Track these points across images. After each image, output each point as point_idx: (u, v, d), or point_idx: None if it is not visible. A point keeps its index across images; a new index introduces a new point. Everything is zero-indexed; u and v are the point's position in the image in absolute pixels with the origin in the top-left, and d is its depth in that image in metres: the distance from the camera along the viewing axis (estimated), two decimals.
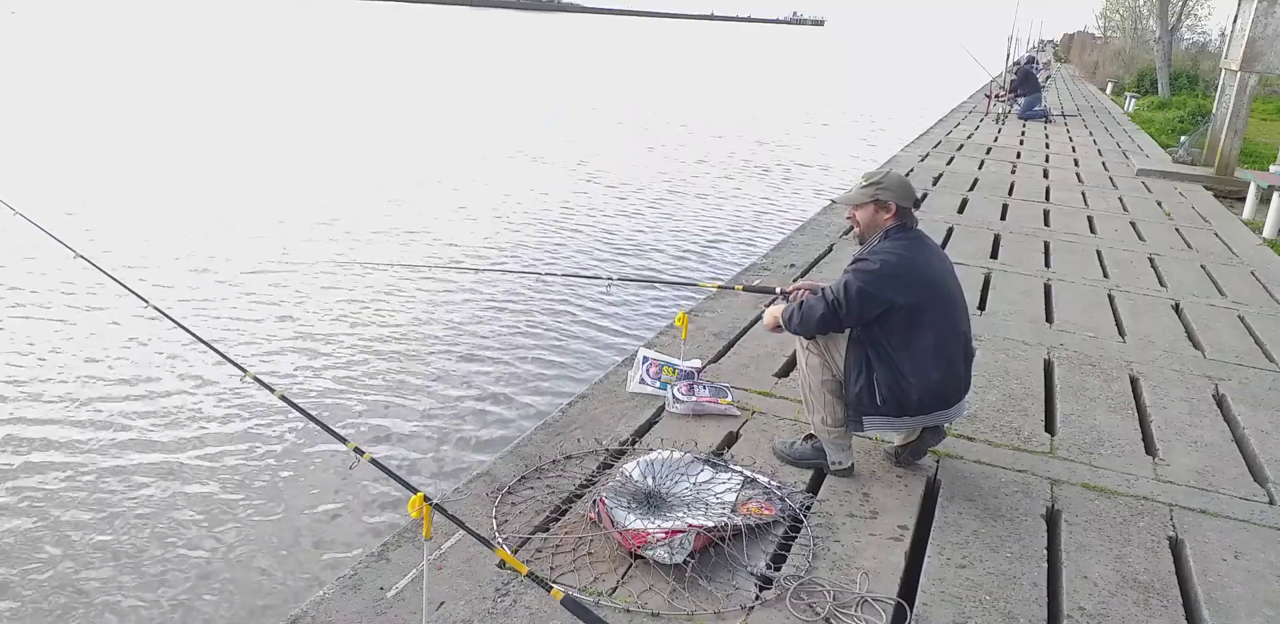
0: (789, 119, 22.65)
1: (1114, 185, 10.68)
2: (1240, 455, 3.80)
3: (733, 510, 2.94)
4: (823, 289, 3.14)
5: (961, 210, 8.61)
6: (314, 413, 2.91)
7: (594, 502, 2.97)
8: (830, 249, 6.78)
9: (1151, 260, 7.11)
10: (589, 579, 2.67)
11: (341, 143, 14.74)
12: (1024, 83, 17.73)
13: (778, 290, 3.73)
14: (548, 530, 2.92)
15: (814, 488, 3.30)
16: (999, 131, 15.59)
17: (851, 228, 3.27)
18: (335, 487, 4.34)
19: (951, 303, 3.17)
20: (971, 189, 9.74)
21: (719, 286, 4.67)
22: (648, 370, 4.03)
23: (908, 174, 10.38)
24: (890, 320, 3.05)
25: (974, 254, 6.88)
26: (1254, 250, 7.71)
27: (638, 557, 2.74)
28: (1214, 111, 12.21)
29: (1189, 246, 7.68)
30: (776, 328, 3.32)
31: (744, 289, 4.32)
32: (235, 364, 3.10)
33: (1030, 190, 9.92)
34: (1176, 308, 5.87)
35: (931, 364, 3.07)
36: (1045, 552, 2.99)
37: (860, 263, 3.07)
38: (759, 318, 5.08)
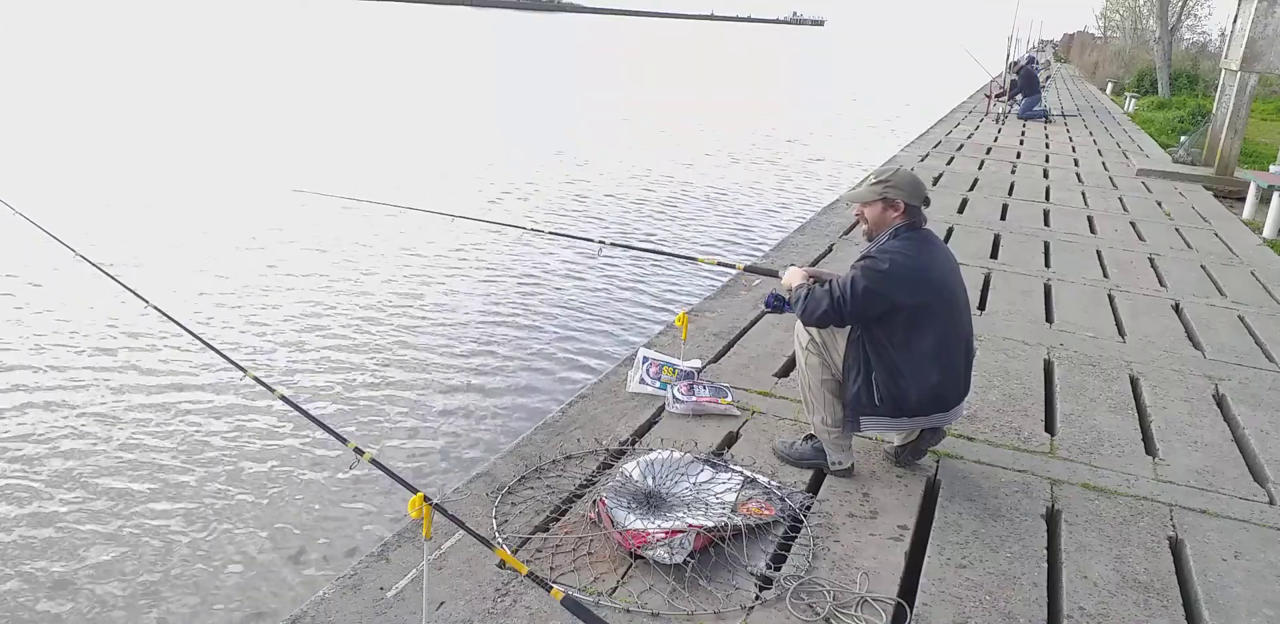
0: (793, 117, 22.65)
1: (1114, 185, 10.68)
2: (1240, 455, 3.80)
3: (733, 510, 2.94)
4: (830, 282, 3.11)
5: (961, 210, 8.61)
6: (314, 413, 2.91)
7: (594, 502, 2.97)
8: (830, 249, 6.78)
9: (1151, 260, 7.11)
10: (589, 579, 2.67)
11: (343, 141, 14.74)
12: (1026, 83, 17.73)
13: (780, 271, 3.71)
14: (548, 530, 2.92)
15: (814, 488, 3.30)
16: (999, 131, 15.59)
17: (855, 224, 3.26)
18: (335, 486, 4.34)
19: (955, 305, 3.14)
20: (971, 189, 9.74)
21: (718, 263, 4.40)
22: (648, 370, 4.03)
23: None
24: (892, 320, 3.03)
25: (974, 254, 6.88)
26: (1254, 250, 7.71)
27: (638, 557, 2.74)
28: (1214, 111, 12.21)
29: (1189, 246, 7.68)
30: (787, 288, 3.30)
31: (745, 269, 4.17)
32: (235, 364, 3.10)
33: (1030, 190, 9.92)
34: (1176, 308, 5.87)
35: (931, 366, 3.05)
36: (1045, 552, 2.99)
37: (869, 260, 3.03)
38: (759, 318, 5.08)
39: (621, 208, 10.94)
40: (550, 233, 5.20)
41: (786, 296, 3.28)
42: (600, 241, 4.50)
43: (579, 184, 12.29)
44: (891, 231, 3.11)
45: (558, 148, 15.40)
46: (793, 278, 3.31)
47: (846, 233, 7.25)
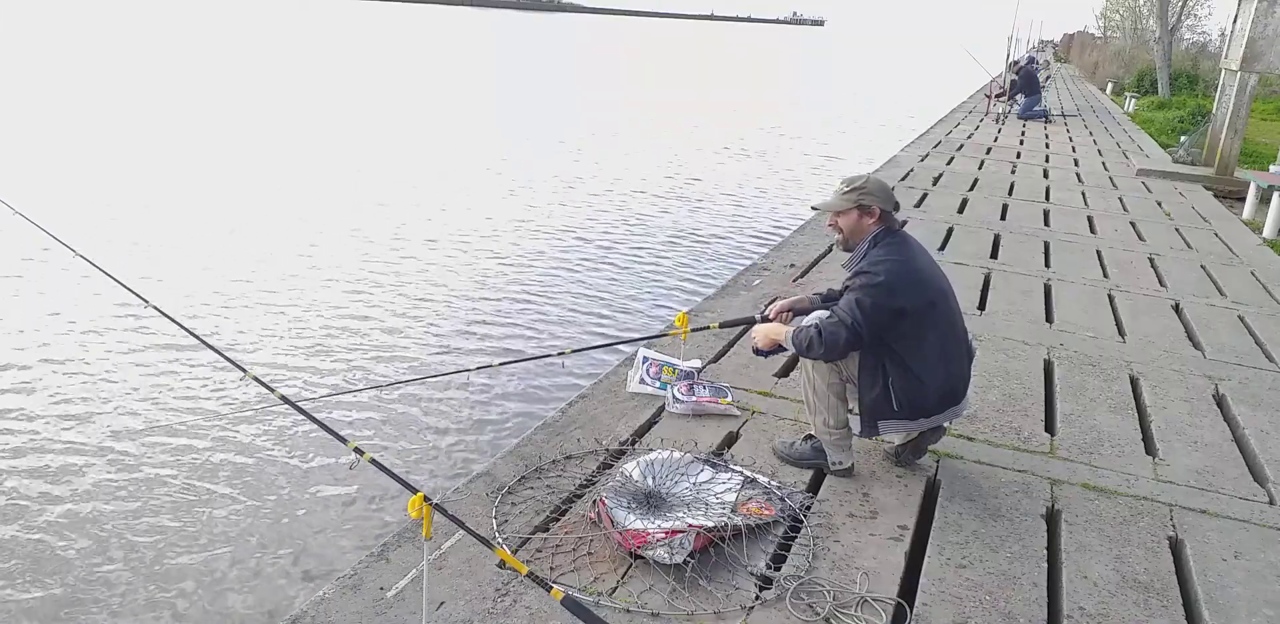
0: (794, 118, 22.66)
1: (1114, 185, 10.68)
2: (1240, 455, 3.80)
3: (733, 510, 2.94)
4: (833, 312, 3.09)
5: (961, 210, 8.61)
6: (314, 413, 2.91)
7: (594, 502, 2.97)
8: (830, 249, 6.77)
9: (1151, 260, 7.11)
10: (589, 579, 2.67)
11: (341, 141, 14.74)
12: (1026, 83, 17.74)
13: (756, 317, 3.67)
14: (548, 530, 2.92)
15: (814, 488, 3.30)
16: (999, 131, 15.59)
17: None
18: (335, 487, 4.33)
19: (948, 301, 3.18)
20: (971, 189, 9.74)
21: (692, 329, 4.18)
22: (648, 370, 4.03)
23: (907, 174, 10.40)
24: (900, 326, 3.04)
25: (974, 254, 6.88)
26: (1254, 250, 7.71)
27: (638, 557, 2.74)
28: (1214, 111, 12.22)
29: (1189, 246, 7.68)
30: (772, 347, 3.29)
31: (720, 326, 4.15)
32: (235, 364, 3.10)
33: (1030, 190, 9.92)
34: (1176, 308, 5.87)
35: (938, 364, 3.08)
36: (1045, 552, 2.99)
37: (864, 277, 3.02)
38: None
39: (635, 204, 10.94)
40: (502, 364, 4.99)
41: (781, 344, 3.24)
42: (561, 353, 4.33)
43: (587, 183, 12.29)
44: (871, 239, 3.11)
45: (567, 148, 15.40)
46: (772, 332, 3.26)
47: None
